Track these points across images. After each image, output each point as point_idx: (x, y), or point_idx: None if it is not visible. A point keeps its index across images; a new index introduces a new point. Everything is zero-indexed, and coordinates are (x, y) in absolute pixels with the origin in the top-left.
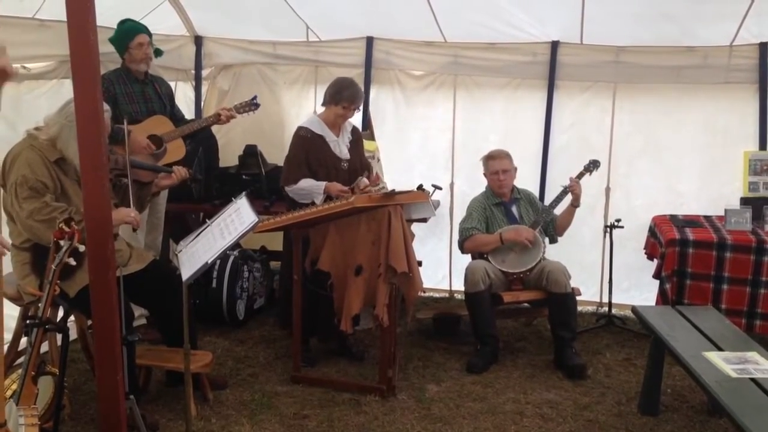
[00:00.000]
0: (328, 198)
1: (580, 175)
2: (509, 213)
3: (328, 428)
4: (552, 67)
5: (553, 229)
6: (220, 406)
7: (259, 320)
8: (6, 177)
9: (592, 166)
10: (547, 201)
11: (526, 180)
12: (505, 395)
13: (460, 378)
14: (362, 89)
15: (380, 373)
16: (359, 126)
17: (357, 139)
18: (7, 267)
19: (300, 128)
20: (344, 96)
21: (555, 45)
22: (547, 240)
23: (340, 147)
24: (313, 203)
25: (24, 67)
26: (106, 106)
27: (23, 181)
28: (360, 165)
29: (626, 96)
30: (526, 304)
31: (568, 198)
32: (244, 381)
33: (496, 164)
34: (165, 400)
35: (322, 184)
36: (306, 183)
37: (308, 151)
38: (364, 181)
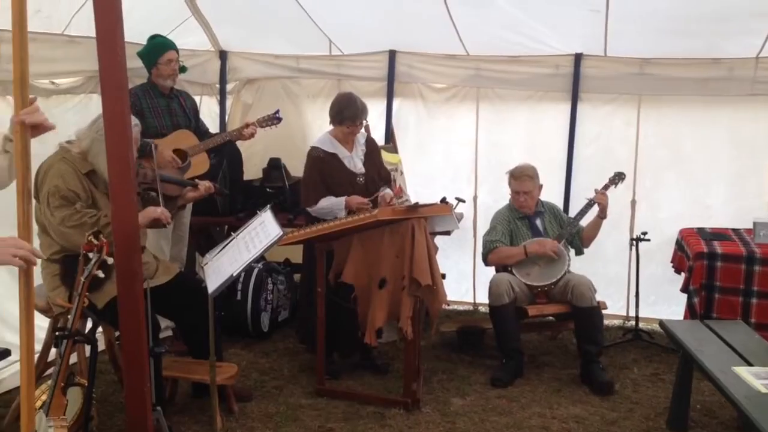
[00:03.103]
0: (350, 212)
1: (605, 188)
2: (533, 226)
3: None
4: (575, 80)
5: (579, 240)
6: (245, 418)
7: (284, 333)
8: (39, 188)
9: (617, 178)
10: (572, 213)
11: (550, 192)
12: (531, 410)
13: (484, 392)
14: (364, 103)
15: (404, 386)
16: (382, 139)
17: (372, 150)
18: (37, 279)
19: (312, 148)
20: (346, 116)
21: (578, 57)
22: (572, 252)
23: (354, 162)
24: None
25: (53, 83)
26: (135, 121)
27: (55, 191)
28: (378, 176)
29: (651, 108)
30: (551, 318)
31: (594, 210)
32: (269, 393)
33: (517, 185)
34: (191, 411)
35: (342, 199)
36: (326, 202)
37: (322, 171)
38: (389, 192)
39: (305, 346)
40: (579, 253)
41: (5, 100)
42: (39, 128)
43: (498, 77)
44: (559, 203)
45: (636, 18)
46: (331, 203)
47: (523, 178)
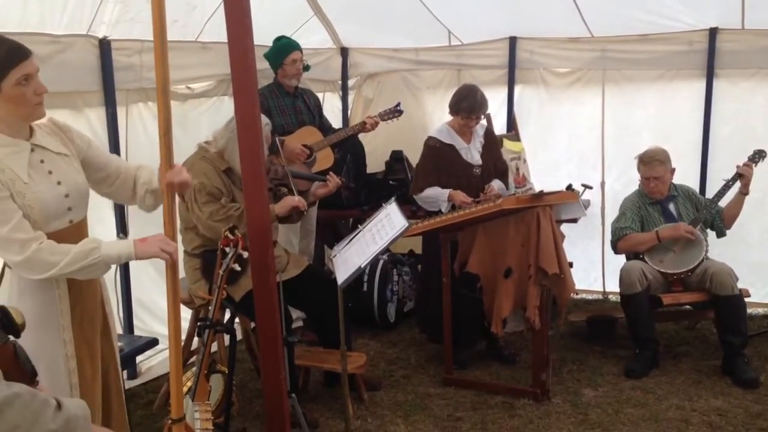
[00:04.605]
0: (453, 207)
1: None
2: (666, 211)
3: (482, 431)
4: (710, 56)
5: (721, 221)
6: (376, 407)
7: (410, 323)
8: None
9: (758, 156)
10: (709, 196)
11: (684, 175)
12: (668, 401)
13: (617, 383)
14: (484, 97)
15: (533, 376)
16: (504, 127)
17: (489, 142)
18: (180, 273)
19: (429, 138)
20: (462, 107)
21: (713, 32)
22: (712, 236)
23: (471, 153)
24: (440, 211)
25: (188, 87)
26: (266, 120)
27: (201, 188)
28: (495, 169)
29: None
30: (687, 307)
31: (732, 191)
32: (397, 382)
33: (647, 171)
34: (323, 399)
35: (446, 192)
36: (431, 191)
37: (437, 161)
38: (494, 189)
39: (426, 335)
40: (721, 235)
41: (147, 106)
42: (184, 185)
43: (625, 58)
44: (695, 186)
45: None
46: (435, 193)
47: (653, 164)
